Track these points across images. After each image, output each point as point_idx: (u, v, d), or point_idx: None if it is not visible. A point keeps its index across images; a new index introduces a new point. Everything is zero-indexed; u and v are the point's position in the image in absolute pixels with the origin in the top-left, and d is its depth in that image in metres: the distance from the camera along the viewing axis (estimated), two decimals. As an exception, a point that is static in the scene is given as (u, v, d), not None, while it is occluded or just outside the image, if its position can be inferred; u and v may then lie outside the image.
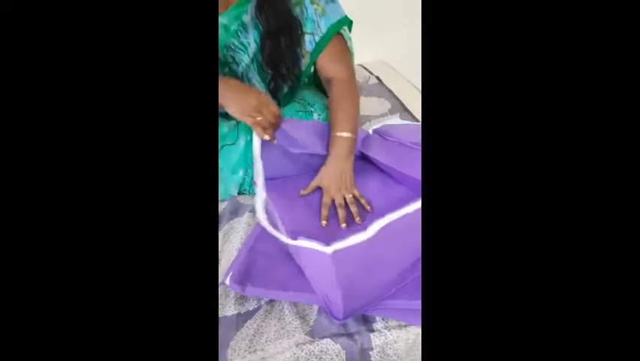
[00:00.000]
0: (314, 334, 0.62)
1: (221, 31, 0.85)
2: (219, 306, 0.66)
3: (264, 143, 0.76)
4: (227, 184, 0.88)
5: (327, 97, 0.96)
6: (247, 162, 0.86)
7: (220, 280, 0.69)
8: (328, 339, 0.61)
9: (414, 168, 0.71)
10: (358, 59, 1.08)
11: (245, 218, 0.83)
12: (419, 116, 1.08)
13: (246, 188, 0.90)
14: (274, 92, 0.94)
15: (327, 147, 0.82)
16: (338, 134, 0.80)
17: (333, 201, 0.76)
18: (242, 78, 0.90)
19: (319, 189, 0.80)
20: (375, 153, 0.82)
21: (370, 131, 0.92)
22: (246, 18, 0.85)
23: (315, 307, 0.65)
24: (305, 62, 0.90)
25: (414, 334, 0.60)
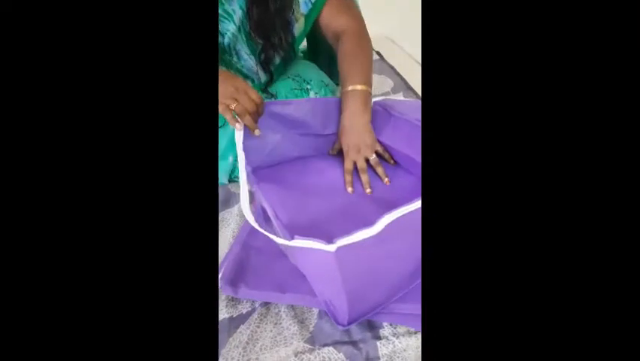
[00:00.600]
0: (314, 341, 0.56)
1: None
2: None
3: (246, 128, 0.67)
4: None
5: (324, 73, 0.88)
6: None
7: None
8: (330, 347, 0.55)
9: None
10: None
11: (236, 209, 0.76)
12: (424, 95, 1.00)
13: (238, 175, 0.82)
14: (266, 65, 0.83)
15: (326, 123, 0.73)
16: (351, 88, 0.69)
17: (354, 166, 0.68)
18: (229, 51, 0.80)
19: (317, 174, 0.72)
20: (380, 133, 0.75)
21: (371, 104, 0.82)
22: None
23: (315, 311, 0.59)
24: (299, 26, 0.81)
25: (425, 341, 0.55)
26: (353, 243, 0.45)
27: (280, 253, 0.65)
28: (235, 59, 0.79)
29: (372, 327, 0.57)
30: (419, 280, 0.59)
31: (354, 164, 0.68)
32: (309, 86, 0.81)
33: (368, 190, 0.64)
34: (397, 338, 0.55)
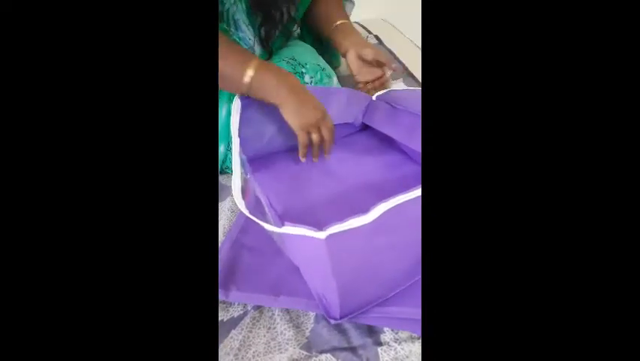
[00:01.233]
0: (311, 347, 0.52)
1: None
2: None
3: (243, 116, 0.62)
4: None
5: (321, 56, 0.82)
6: (229, 135, 0.73)
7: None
8: (328, 354, 0.51)
9: None
10: (355, 16, 0.94)
11: (227, 203, 0.72)
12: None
13: (229, 166, 0.78)
14: (265, 42, 0.78)
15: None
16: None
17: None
18: (227, 20, 0.74)
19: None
20: (382, 124, 0.70)
21: (373, 98, 0.79)
22: None
23: (312, 315, 0.56)
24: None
25: (429, 347, 0.51)
26: (345, 231, 0.42)
27: (274, 251, 0.61)
28: (233, 28, 0.73)
29: (373, 332, 0.53)
30: (418, 277, 0.55)
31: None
32: (304, 70, 0.76)
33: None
34: (399, 343, 0.52)
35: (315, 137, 0.61)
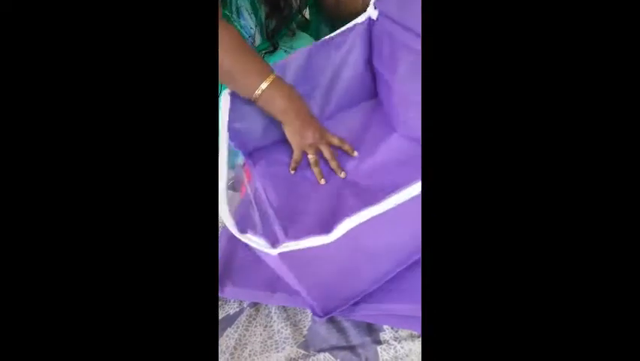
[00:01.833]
0: (309, 346, 0.51)
1: None
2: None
3: (234, 111, 0.60)
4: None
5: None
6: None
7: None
8: (326, 353, 0.50)
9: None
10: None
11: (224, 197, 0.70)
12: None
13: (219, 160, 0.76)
14: (271, 35, 0.77)
15: (310, 79, 0.67)
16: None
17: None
18: (229, 6, 0.72)
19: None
20: (386, 67, 0.64)
21: (374, 14, 0.64)
22: None
23: (309, 312, 0.54)
24: None
25: (429, 345, 0.50)
26: (300, 249, 0.39)
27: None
28: (235, 15, 0.72)
29: (372, 331, 0.52)
30: (404, 261, 0.53)
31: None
32: None
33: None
34: (399, 342, 0.50)
35: (311, 157, 0.64)
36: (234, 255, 0.59)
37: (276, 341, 0.52)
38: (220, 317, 0.55)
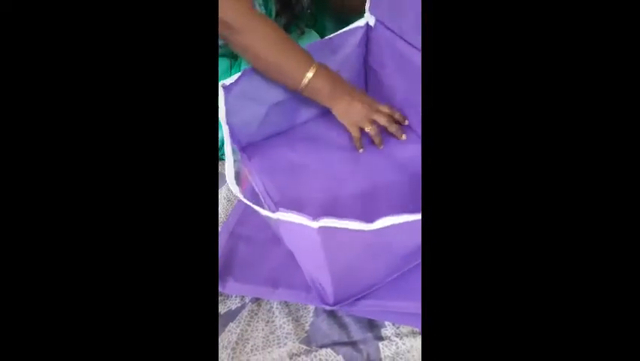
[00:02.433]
0: (311, 341, 0.51)
1: None
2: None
3: (229, 105, 0.60)
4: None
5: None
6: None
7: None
8: (328, 349, 0.50)
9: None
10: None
11: (224, 192, 0.70)
12: None
13: (225, 153, 0.76)
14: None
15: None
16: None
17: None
18: None
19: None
20: (392, 77, 0.67)
21: (372, 21, 0.67)
22: None
23: (311, 308, 0.54)
24: None
25: (430, 341, 0.51)
26: (340, 227, 0.41)
27: (272, 243, 0.60)
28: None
29: (374, 327, 0.52)
30: (412, 264, 0.54)
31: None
32: None
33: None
34: (401, 338, 0.51)
35: (368, 129, 0.64)
36: (236, 250, 0.59)
37: (277, 336, 0.52)
38: (222, 312, 0.55)
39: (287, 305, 0.55)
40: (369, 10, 0.66)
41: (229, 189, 0.70)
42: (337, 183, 0.62)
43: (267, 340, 0.52)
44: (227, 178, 0.55)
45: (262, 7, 0.73)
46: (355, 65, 0.71)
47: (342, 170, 0.64)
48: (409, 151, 0.64)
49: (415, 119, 0.65)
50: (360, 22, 0.67)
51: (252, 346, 0.51)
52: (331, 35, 0.66)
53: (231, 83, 0.60)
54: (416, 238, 0.46)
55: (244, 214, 0.64)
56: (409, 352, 0.50)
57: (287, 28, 0.76)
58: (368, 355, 0.50)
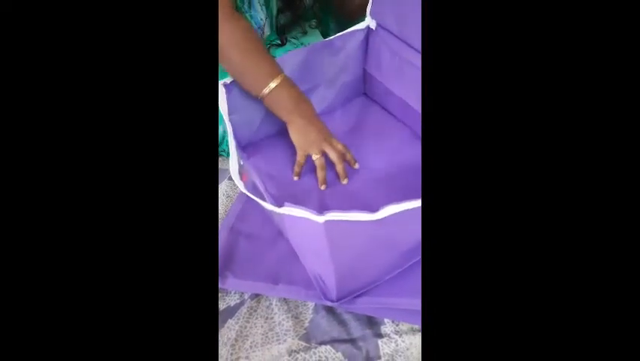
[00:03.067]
0: (310, 338, 0.51)
1: None
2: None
3: (230, 102, 0.60)
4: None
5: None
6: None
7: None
8: (328, 346, 0.50)
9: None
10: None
11: (223, 187, 0.69)
12: None
13: (225, 148, 0.75)
14: (281, 31, 0.75)
15: (308, 76, 0.66)
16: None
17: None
18: None
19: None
20: (391, 80, 0.66)
21: (373, 25, 0.67)
22: None
23: (311, 304, 0.54)
24: None
25: (429, 339, 0.51)
26: (345, 220, 0.41)
27: (272, 239, 0.60)
28: (246, 6, 0.70)
29: (373, 324, 0.52)
30: (413, 260, 0.54)
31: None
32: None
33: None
34: (400, 335, 0.51)
35: (316, 157, 0.61)
36: (235, 247, 0.59)
37: (277, 333, 0.52)
38: (221, 309, 0.55)
39: (286, 302, 0.55)
40: (371, 13, 0.66)
41: (228, 185, 0.69)
42: (334, 181, 0.62)
43: (266, 336, 0.52)
44: (230, 172, 0.55)
45: (263, 7, 0.72)
46: (355, 67, 0.71)
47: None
48: (407, 149, 0.64)
49: (414, 119, 0.65)
50: (361, 25, 0.67)
51: (251, 342, 0.51)
52: (332, 37, 0.66)
53: (232, 82, 0.60)
54: (417, 232, 0.47)
55: (244, 210, 0.63)
56: (408, 349, 0.50)
57: (289, 27, 0.75)
58: (367, 352, 0.50)
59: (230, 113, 0.60)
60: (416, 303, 0.52)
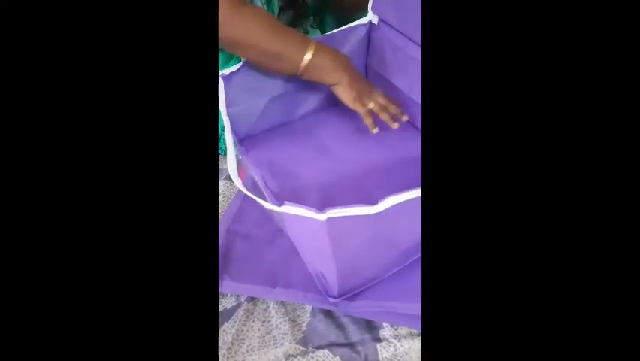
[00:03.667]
0: (307, 342, 0.50)
1: None
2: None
3: (228, 96, 0.59)
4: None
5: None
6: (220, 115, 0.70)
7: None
8: (325, 350, 0.50)
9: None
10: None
11: (220, 187, 0.68)
12: None
13: (222, 147, 0.74)
14: None
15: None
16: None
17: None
18: None
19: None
20: (394, 74, 0.66)
21: (375, 20, 0.67)
22: None
23: (308, 308, 0.54)
24: None
25: (428, 343, 0.50)
26: (347, 215, 0.40)
27: (269, 240, 0.59)
28: (247, 2, 0.69)
29: (372, 328, 0.51)
30: (412, 258, 0.54)
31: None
32: None
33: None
34: (399, 340, 0.50)
35: (372, 105, 0.61)
36: (232, 248, 0.58)
37: (274, 336, 0.51)
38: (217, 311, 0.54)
39: (284, 305, 0.54)
40: (372, 8, 0.65)
41: (225, 185, 0.68)
42: (335, 174, 0.61)
43: (263, 340, 0.51)
44: (229, 170, 0.54)
45: (265, 5, 0.71)
46: (357, 62, 0.70)
47: (341, 162, 0.63)
48: (408, 142, 0.64)
49: (416, 113, 0.64)
50: (364, 21, 0.66)
51: (247, 346, 0.50)
52: (333, 31, 0.65)
53: (231, 73, 0.58)
54: (417, 223, 0.46)
55: (241, 210, 0.62)
56: (407, 354, 0.49)
57: (291, 26, 0.74)
58: (366, 356, 0.49)
59: (228, 107, 0.59)
60: (415, 307, 0.51)
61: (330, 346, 0.50)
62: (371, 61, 0.70)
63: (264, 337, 0.51)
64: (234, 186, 0.68)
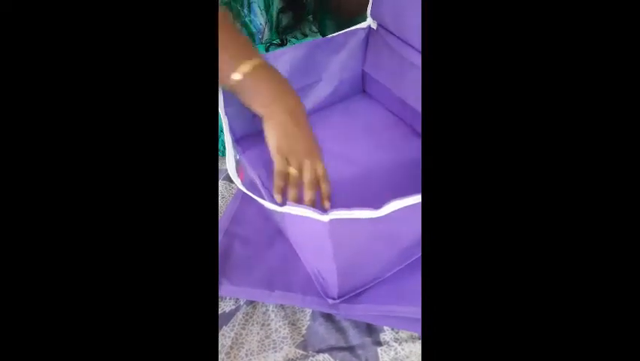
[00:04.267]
0: (307, 346, 0.50)
1: None
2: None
3: (225, 94, 0.58)
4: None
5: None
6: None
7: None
8: (325, 354, 0.49)
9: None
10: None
11: (218, 188, 0.68)
12: None
13: (220, 148, 0.74)
14: (282, 32, 0.74)
15: (310, 71, 0.64)
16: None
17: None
18: (241, 0, 0.69)
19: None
20: (390, 80, 0.66)
21: (374, 25, 0.66)
22: None
23: (308, 311, 0.53)
24: None
25: (430, 347, 0.49)
26: (349, 218, 0.40)
27: (268, 242, 0.58)
28: (245, 10, 0.68)
29: (372, 331, 0.51)
30: (412, 258, 0.53)
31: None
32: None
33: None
34: (400, 343, 0.50)
35: (293, 171, 0.48)
36: (230, 251, 0.58)
37: (273, 340, 0.50)
38: (216, 315, 0.53)
39: (283, 308, 0.53)
40: (371, 13, 0.65)
41: (223, 186, 0.68)
42: (333, 174, 0.60)
43: (263, 344, 0.50)
44: (228, 170, 0.53)
45: (263, 11, 0.70)
46: (355, 65, 0.70)
47: (339, 162, 0.62)
48: (406, 145, 0.63)
49: (413, 118, 0.64)
50: (363, 25, 0.66)
51: (246, 350, 0.50)
52: (333, 34, 0.65)
53: None
54: (417, 227, 0.46)
55: (239, 212, 0.62)
56: (407, 357, 0.49)
57: (290, 29, 0.74)
58: (366, 360, 0.49)
59: (225, 106, 0.58)
60: (416, 310, 0.51)
61: (331, 350, 0.49)
62: (367, 67, 0.70)
63: (263, 341, 0.51)
64: (232, 187, 0.67)
